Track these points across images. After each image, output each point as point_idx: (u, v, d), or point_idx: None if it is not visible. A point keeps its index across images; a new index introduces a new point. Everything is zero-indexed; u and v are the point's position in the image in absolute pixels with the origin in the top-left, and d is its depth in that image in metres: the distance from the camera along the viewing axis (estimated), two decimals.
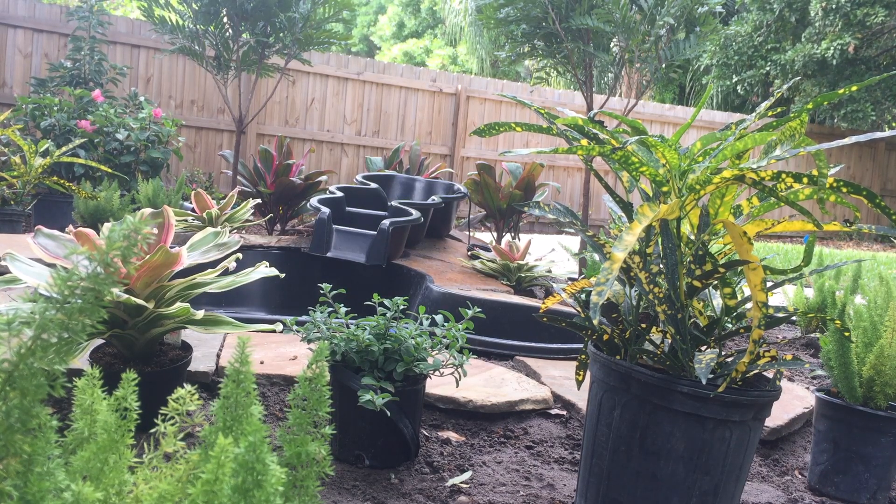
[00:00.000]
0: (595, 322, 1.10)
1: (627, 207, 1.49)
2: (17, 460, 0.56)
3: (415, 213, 3.61)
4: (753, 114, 1.37)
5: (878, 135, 1.29)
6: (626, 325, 1.42)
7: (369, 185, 4.36)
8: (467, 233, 4.90)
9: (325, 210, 3.48)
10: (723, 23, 10.72)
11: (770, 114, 1.36)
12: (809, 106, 1.32)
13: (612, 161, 1.39)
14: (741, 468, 1.32)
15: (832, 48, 9.41)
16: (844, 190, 1.24)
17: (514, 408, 1.91)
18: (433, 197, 4.44)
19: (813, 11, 9.48)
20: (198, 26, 4.46)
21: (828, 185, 1.25)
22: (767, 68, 10.51)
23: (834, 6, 9.25)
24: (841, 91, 1.31)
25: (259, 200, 4.44)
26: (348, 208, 3.86)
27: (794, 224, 1.37)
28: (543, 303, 1.52)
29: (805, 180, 1.24)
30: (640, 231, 1.19)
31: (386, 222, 3.38)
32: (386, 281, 3.38)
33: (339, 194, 3.94)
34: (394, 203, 3.90)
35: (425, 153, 8.66)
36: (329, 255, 3.38)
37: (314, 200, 3.71)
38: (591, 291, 1.48)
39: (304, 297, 2.60)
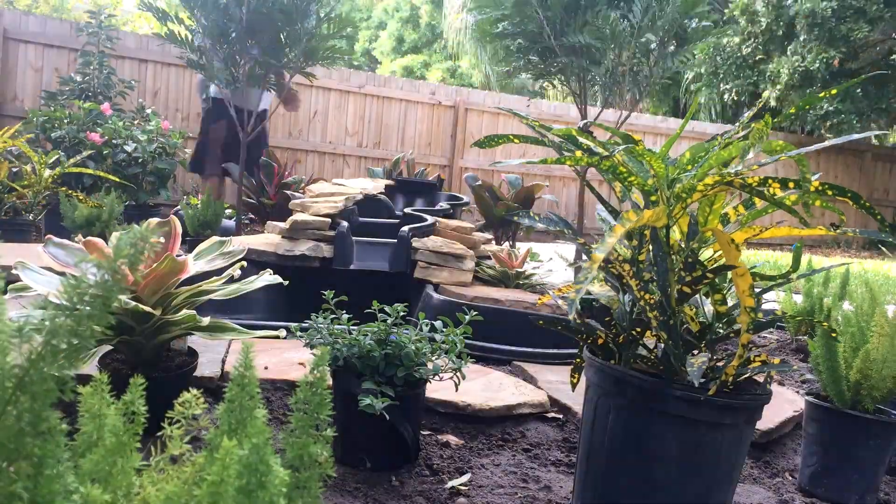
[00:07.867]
0: (571, 317, 1.13)
1: (619, 216, 1.52)
2: (27, 463, 0.56)
3: (430, 219, 3.61)
4: (737, 123, 1.40)
5: (854, 136, 1.31)
6: (619, 330, 1.45)
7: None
8: None
9: (344, 223, 3.44)
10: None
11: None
12: (792, 110, 1.35)
13: (603, 171, 1.42)
14: (733, 470, 1.35)
15: (818, 61, 9.50)
16: (829, 193, 1.24)
17: (511, 411, 1.94)
18: (441, 203, 4.46)
19: (798, 26, 9.54)
20: (206, 42, 4.53)
21: (812, 189, 1.26)
22: (755, 78, 10.57)
23: (819, 21, 9.31)
24: (822, 94, 1.33)
25: None
26: (361, 218, 3.86)
27: (780, 230, 1.39)
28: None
29: (791, 185, 1.26)
30: (622, 234, 1.21)
31: (405, 228, 3.36)
32: (387, 288, 3.39)
33: (352, 205, 3.95)
34: (407, 210, 3.90)
35: (424, 164, 8.74)
36: (353, 267, 3.34)
37: None
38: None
39: (310, 303, 2.63)
